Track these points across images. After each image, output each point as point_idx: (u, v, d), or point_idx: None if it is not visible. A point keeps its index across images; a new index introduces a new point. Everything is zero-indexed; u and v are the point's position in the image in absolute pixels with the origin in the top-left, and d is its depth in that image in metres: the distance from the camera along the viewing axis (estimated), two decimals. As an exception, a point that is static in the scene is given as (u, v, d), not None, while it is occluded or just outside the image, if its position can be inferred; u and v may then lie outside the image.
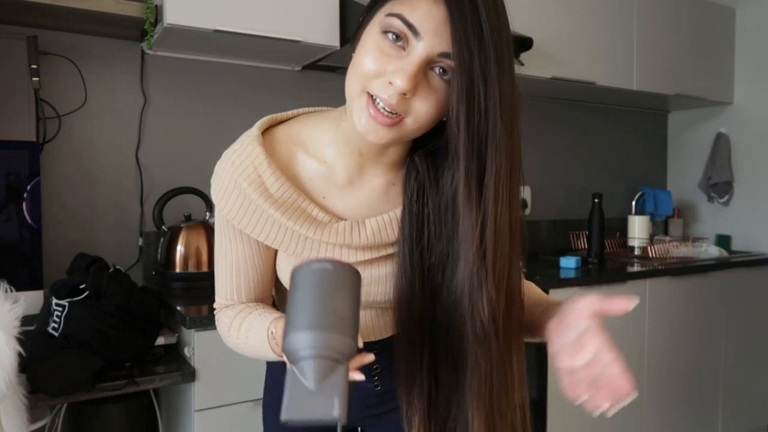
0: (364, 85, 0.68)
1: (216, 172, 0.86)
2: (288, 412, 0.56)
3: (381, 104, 0.67)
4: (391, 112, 0.67)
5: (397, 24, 0.66)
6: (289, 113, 0.88)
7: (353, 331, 0.59)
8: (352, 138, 0.77)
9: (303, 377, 0.57)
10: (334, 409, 0.55)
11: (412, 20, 0.66)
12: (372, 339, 0.90)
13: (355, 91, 0.69)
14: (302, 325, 0.57)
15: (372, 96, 0.68)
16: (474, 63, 0.65)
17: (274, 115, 0.87)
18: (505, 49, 0.68)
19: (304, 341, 0.57)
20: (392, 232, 0.80)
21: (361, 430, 1.02)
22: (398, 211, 0.80)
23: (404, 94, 0.66)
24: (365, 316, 0.89)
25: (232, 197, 0.82)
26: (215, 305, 0.91)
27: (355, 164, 0.80)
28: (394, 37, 0.67)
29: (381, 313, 0.90)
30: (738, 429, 2.70)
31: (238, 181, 0.80)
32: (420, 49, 0.66)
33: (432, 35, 0.65)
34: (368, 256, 0.81)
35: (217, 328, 0.91)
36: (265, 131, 0.86)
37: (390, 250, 0.81)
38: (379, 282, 0.83)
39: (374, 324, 0.90)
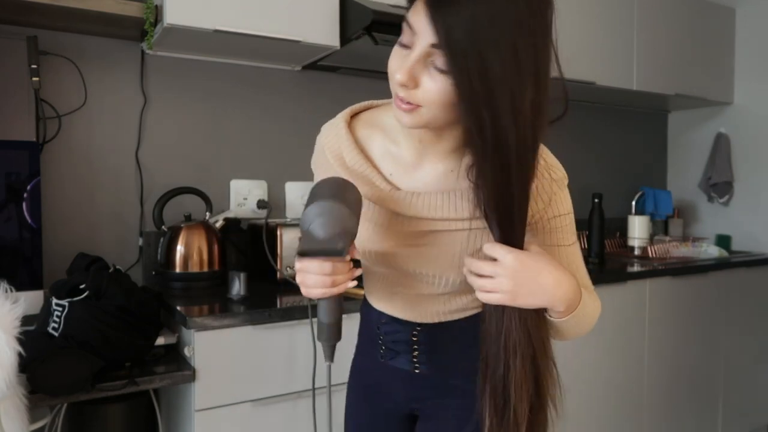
0: (391, 83, 0.78)
1: (316, 142, 1.00)
2: (303, 246, 0.77)
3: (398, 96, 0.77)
4: (407, 102, 0.76)
5: (405, 28, 0.75)
6: (381, 101, 0.98)
7: (355, 213, 0.78)
8: None
9: (315, 232, 0.77)
10: (338, 244, 0.76)
11: (411, 21, 0.74)
12: (416, 320, 0.99)
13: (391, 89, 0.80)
14: (318, 197, 0.77)
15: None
16: (462, 50, 0.68)
17: (368, 102, 0.98)
18: (506, 28, 0.71)
19: (318, 207, 0.76)
20: (446, 210, 0.87)
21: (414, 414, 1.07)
22: (453, 192, 0.87)
23: (405, 86, 0.74)
24: (412, 299, 0.98)
25: (319, 162, 0.97)
26: None
27: (416, 150, 0.89)
28: (404, 40, 0.76)
29: (426, 299, 0.97)
30: (738, 429, 2.70)
31: (325, 150, 0.94)
32: (417, 45, 0.73)
33: (423, 30, 0.72)
34: (420, 227, 0.89)
35: None
36: (357, 114, 0.98)
37: (440, 226, 0.88)
38: (429, 260, 0.91)
39: (420, 308, 0.98)
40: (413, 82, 0.74)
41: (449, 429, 0.99)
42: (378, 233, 0.91)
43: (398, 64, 0.75)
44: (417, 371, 1.01)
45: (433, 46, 0.71)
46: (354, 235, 0.80)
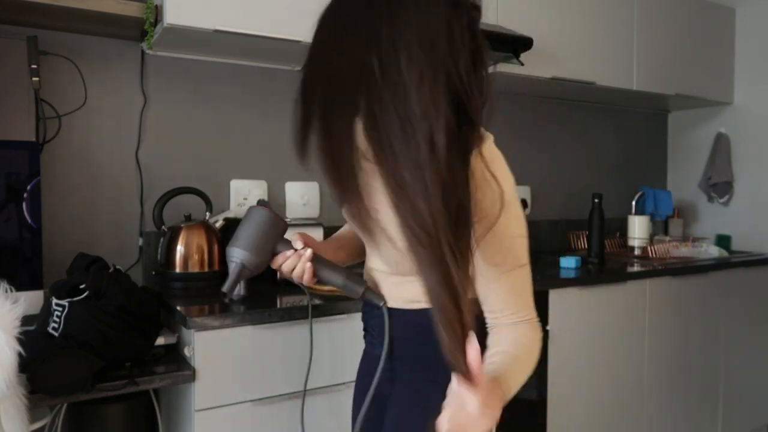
0: None
1: None
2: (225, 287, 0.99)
3: None
4: None
5: None
6: None
7: (257, 251, 0.97)
8: None
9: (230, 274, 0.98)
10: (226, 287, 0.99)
11: None
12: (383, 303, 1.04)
13: None
14: (232, 243, 0.98)
15: None
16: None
17: None
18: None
19: (230, 252, 0.98)
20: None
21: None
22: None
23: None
24: (377, 277, 1.06)
25: None
26: None
27: None
28: None
29: (384, 280, 1.04)
30: (738, 429, 2.70)
31: None
32: None
33: None
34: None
35: None
36: None
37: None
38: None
39: (384, 290, 1.05)
40: None
41: (409, 415, 1.03)
42: None
43: None
44: (383, 352, 1.03)
45: None
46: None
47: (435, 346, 0.85)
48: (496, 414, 0.80)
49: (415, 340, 1.01)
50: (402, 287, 1.01)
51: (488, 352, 0.91)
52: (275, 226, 1.00)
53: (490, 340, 0.94)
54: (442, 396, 0.82)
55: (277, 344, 1.52)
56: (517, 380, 0.89)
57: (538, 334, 0.94)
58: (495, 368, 0.88)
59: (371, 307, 1.08)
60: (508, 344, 0.92)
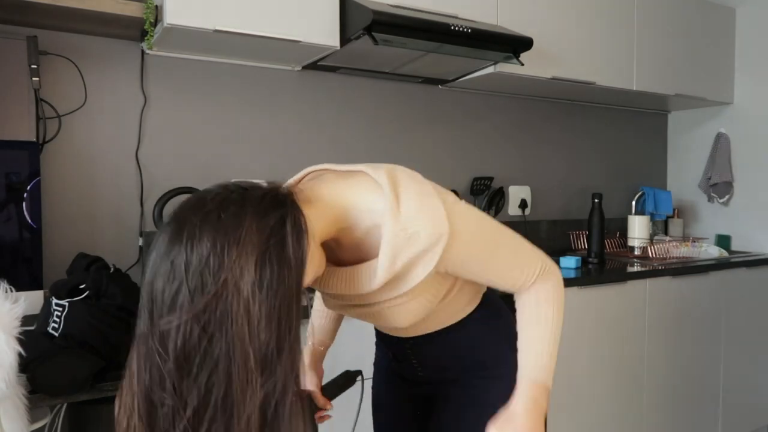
0: None
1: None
2: None
3: None
4: None
5: None
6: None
7: None
8: None
9: None
10: None
11: None
12: (404, 336, 1.07)
13: None
14: None
15: None
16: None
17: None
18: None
19: None
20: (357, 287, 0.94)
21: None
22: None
23: None
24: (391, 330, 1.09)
25: None
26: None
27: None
28: None
29: (401, 331, 1.07)
30: (738, 429, 2.70)
31: None
32: None
33: None
34: (348, 301, 0.97)
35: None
36: None
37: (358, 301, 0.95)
38: (377, 320, 0.98)
39: (401, 332, 1.07)
40: None
41: (458, 412, 1.08)
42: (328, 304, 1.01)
43: None
44: (420, 374, 1.11)
45: None
46: None
47: (484, 348, 1.01)
48: (541, 408, 0.88)
49: (455, 345, 1.06)
50: (429, 321, 1.02)
51: (518, 336, 0.94)
52: (311, 410, 1.07)
53: (517, 312, 0.96)
54: (499, 393, 0.93)
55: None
56: (550, 352, 0.91)
57: (553, 279, 0.94)
58: (525, 363, 0.91)
59: (392, 342, 1.11)
60: (528, 313, 0.94)
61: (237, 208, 0.69)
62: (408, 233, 0.81)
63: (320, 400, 1.12)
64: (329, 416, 1.13)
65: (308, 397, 1.10)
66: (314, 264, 0.79)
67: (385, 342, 1.14)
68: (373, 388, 1.26)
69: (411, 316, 0.93)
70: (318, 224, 0.81)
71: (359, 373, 1.17)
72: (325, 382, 1.16)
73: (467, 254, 0.87)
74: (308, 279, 0.80)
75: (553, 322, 0.92)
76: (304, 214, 0.74)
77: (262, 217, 0.69)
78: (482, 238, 0.89)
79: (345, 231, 0.85)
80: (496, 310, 1.10)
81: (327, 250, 0.89)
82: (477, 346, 1.06)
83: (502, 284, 0.93)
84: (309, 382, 1.15)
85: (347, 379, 1.17)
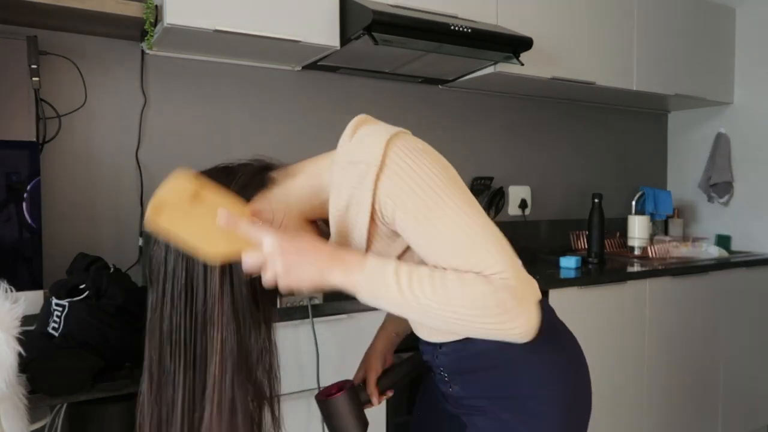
0: None
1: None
2: None
3: None
4: None
5: None
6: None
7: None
8: None
9: None
10: None
11: None
12: (434, 340, 1.01)
13: None
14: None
15: None
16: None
17: None
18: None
19: None
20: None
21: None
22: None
23: None
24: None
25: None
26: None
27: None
28: None
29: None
30: (738, 429, 2.70)
31: None
32: None
33: None
34: None
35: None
36: None
37: None
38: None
39: (428, 327, 1.00)
40: None
41: None
42: None
43: None
44: (450, 390, 1.03)
45: None
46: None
47: (514, 374, 0.91)
48: (329, 258, 0.76)
49: (490, 368, 0.96)
50: None
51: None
52: (357, 400, 1.05)
53: None
54: (530, 428, 0.88)
55: (278, 344, 1.52)
56: (413, 293, 0.74)
57: (489, 286, 0.73)
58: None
59: (425, 345, 1.05)
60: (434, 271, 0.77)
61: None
62: (346, 162, 0.81)
63: (370, 388, 1.09)
64: (371, 404, 1.10)
65: (352, 389, 1.06)
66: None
67: (421, 343, 1.06)
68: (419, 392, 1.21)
69: None
70: (298, 193, 0.88)
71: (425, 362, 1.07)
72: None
73: (400, 203, 0.77)
74: None
75: (450, 301, 0.73)
76: (285, 186, 0.88)
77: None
78: (421, 190, 0.76)
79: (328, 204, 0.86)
80: (550, 343, 0.95)
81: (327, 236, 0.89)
82: (510, 374, 0.94)
83: (443, 259, 0.78)
84: (369, 368, 1.11)
85: (412, 366, 1.10)
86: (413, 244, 0.80)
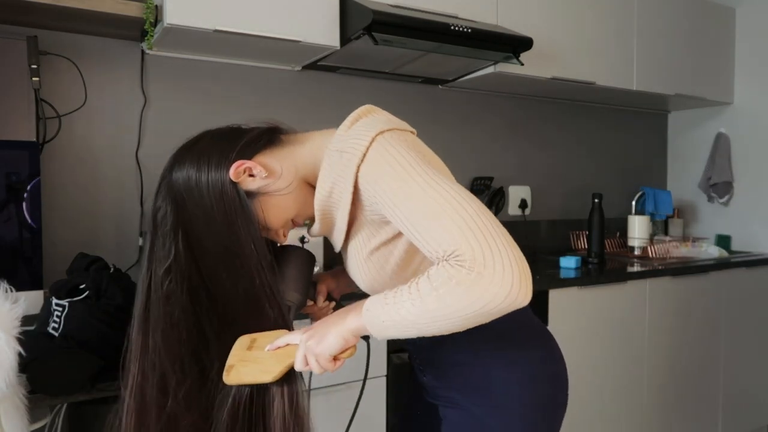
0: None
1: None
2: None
3: None
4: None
5: None
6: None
7: (305, 292, 1.03)
8: None
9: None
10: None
11: None
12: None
13: None
14: (286, 285, 1.01)
15: None
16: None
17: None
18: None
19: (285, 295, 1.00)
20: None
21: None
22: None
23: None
24: None
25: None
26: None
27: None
28: None
29: None
30: (738, 429, 2.70)
31: None
32: None
33: None
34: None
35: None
36: None
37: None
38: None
39: None
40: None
41: None
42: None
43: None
44: (425, 378, 1.07)
45: None
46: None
47: (485, 369, 0.94)
48: (344, 320, 0.83)
49: (461, 363, 0.99)
50: None
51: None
52: (312, 264, 1.06)
53: None
54: (500, 422, 0.91)
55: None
56: (395, 304, 0.77)
57: (457, 271, 0.72)
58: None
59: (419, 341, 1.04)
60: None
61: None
62: (334, 150, 0.88)
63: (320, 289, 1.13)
64: (314, 302, 1.12)
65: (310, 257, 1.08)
66: (295, 195, 0.94)
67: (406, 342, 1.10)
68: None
69: (361, 272, 0.94)
70: (303, 161, 0.96)
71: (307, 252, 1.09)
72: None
73: (380, 180, 0.81)
74: (291, 210, 0.95)
75: (422, 300, 0.74)
76: (293, 150, 0.97)
77: (219, 138, 1.08)
78: (400, 166, 0.80)
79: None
80: (521, 340, 0.98)
81: None
82: (480, 367, 0.97)
83: (424, 249, 0.78)
84: (324, 279, 1.15)
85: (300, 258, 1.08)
86: (391, 217, 0.82)
